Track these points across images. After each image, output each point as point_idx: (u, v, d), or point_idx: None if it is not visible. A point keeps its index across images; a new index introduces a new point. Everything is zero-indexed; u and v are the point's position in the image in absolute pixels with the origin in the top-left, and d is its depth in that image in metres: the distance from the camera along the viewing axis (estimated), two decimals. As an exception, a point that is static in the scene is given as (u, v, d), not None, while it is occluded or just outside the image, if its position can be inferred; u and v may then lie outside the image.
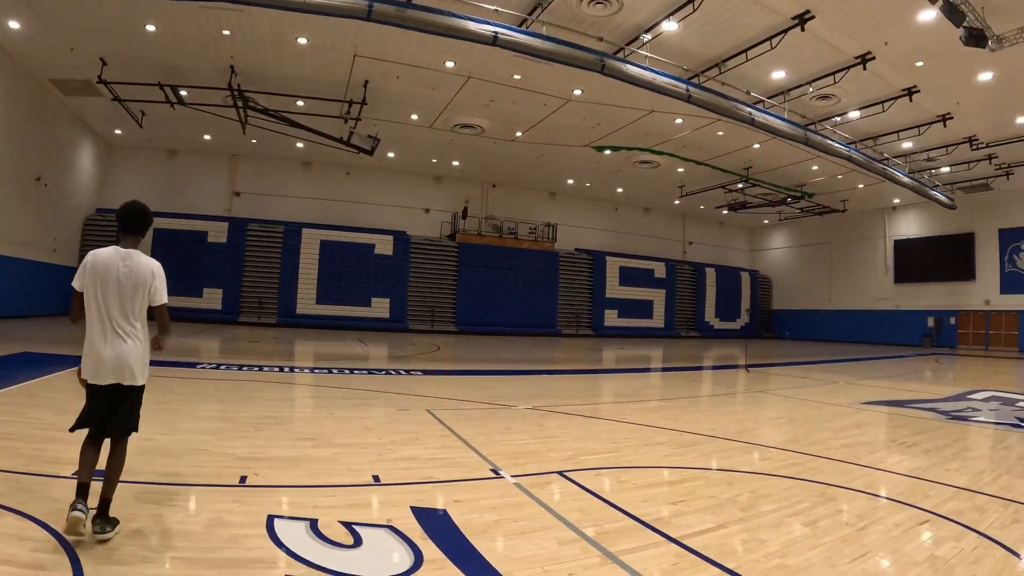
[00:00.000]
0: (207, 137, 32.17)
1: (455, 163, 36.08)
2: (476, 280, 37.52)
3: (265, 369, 12.45)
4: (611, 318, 42.51)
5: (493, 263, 38.21)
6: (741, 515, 4.65)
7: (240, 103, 24.93)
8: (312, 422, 7.71)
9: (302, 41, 21.17)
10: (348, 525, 4.01)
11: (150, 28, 20.56)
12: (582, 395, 11.06)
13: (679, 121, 27.09)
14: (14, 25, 20.42)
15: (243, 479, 4.94)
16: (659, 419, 8.86)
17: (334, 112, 26.39)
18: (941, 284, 40.67)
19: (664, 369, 18.19)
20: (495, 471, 5.68)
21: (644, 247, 46.54)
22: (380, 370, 13.59)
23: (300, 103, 26.50)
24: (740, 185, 37.52)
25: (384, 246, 35.27)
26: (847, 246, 46.40)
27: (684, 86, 20.21)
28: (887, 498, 5.28)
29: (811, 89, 23.23)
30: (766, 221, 50.89)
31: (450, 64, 22.51)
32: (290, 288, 33.44)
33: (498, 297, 37.96)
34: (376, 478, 5.24)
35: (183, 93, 25.41)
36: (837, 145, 26.35)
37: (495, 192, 40.77)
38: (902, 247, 43.09)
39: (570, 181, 39.88)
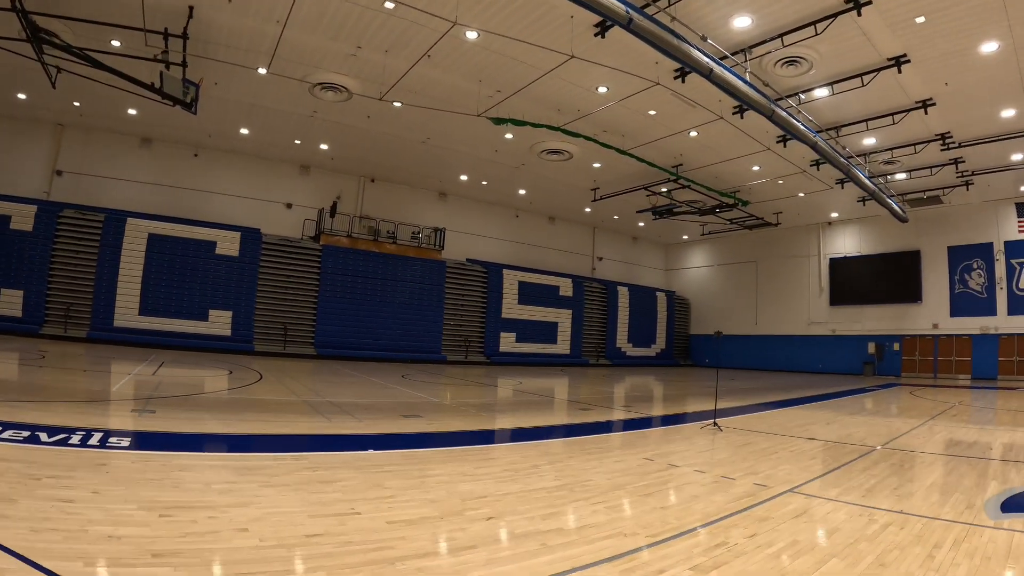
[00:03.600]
0: (21, 96, 23.97)
1: (323, 146, 28.92)
2: (343, 292, 30.20)
3: None
4: (507, 342, 35.71)
5: (365, 271, 31.04)
6: None
7: (27, 30, 17.22)
8: None
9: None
10: None
11: None
12: (421, 533, 4.32)
13: (603, 89, 20.91)
14: None
15: None
16: None
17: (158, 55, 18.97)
18: (883, 307, 36.30)
19: (583, 429, 11.39)
20: None
21: (548, 261, 40.22)
22: (70, 431, 6.56)
23: (116, 43, 19.18)
24: (664, 188, 31.70)
25: (228, 245, 27.66)
26: (776, 265, 41.55)
27: (624, 7, 13.92)
28: None
29: (782, 44, 17.43)
30: (685, 237, 45.64)
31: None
32: (107, 293, 25.34)
33: (370, 314, 30.76)
34: None
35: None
36: (803, 128, 20.70)
37: (373, 188, 33.69)
38: (839, 266, 38.45)
39: (463, 178, 33.18)
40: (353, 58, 19.96)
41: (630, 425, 11.73)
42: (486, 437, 9.63)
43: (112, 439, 6.61)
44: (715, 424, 10.92)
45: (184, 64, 18.94)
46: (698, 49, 16.03)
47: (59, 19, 17.64)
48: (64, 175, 26.81)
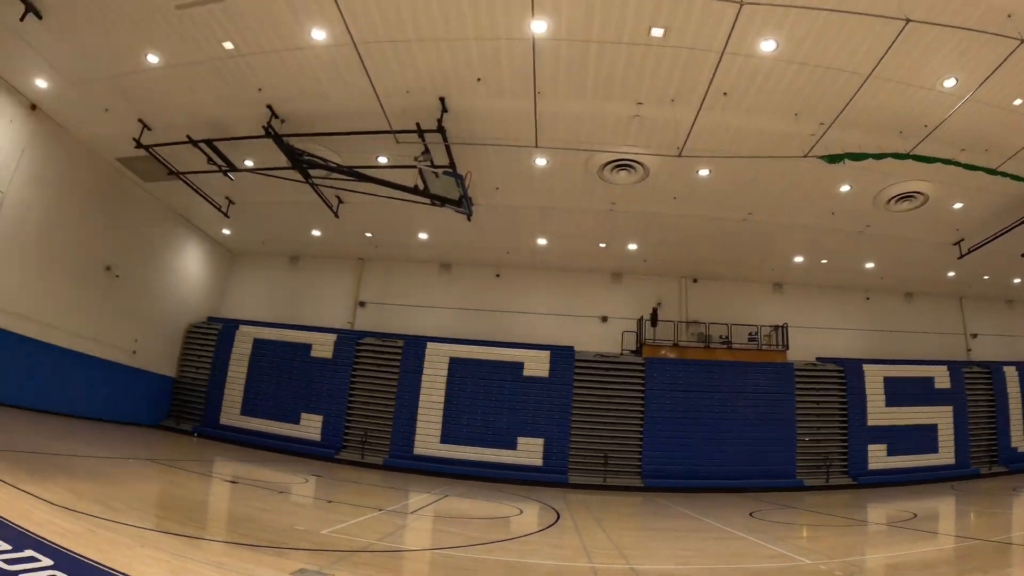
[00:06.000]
0: (316, 233, 27.43)
1: (631, 246, 27.05)
2: (671, 410, 26.77)
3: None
4: (877, 457, 28.22)
5: (697, 384, 27.34)
6: None
7: (288, 155, 18.56)
8: None
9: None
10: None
11: (152, 59, 16.21)
12: None
13: (950, 83, 16.34)
14: (41, 84, 17.69)
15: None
16: None
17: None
18: None
19: None
20: None
21: (909, 347, 32.66)
22: None
23: (383, 159, 19.57)
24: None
25: (537, 365, 26.55)
26: None
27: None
28: None
29: None
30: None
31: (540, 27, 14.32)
32: (407, 422, 25.81)
33: (705, 434, 26.64)
34: None
35: (248, 163, 20.82)
36: None
37: (697, 288, 30.91)
38: None
39: (798, 259, 29.01)
40: (637, 120, 17.94)
41: None
42: None
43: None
44: None
45: (452, 167, 18.37)
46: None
47: (308, 136, 18.66)
48: (367, 306, 29.77)
